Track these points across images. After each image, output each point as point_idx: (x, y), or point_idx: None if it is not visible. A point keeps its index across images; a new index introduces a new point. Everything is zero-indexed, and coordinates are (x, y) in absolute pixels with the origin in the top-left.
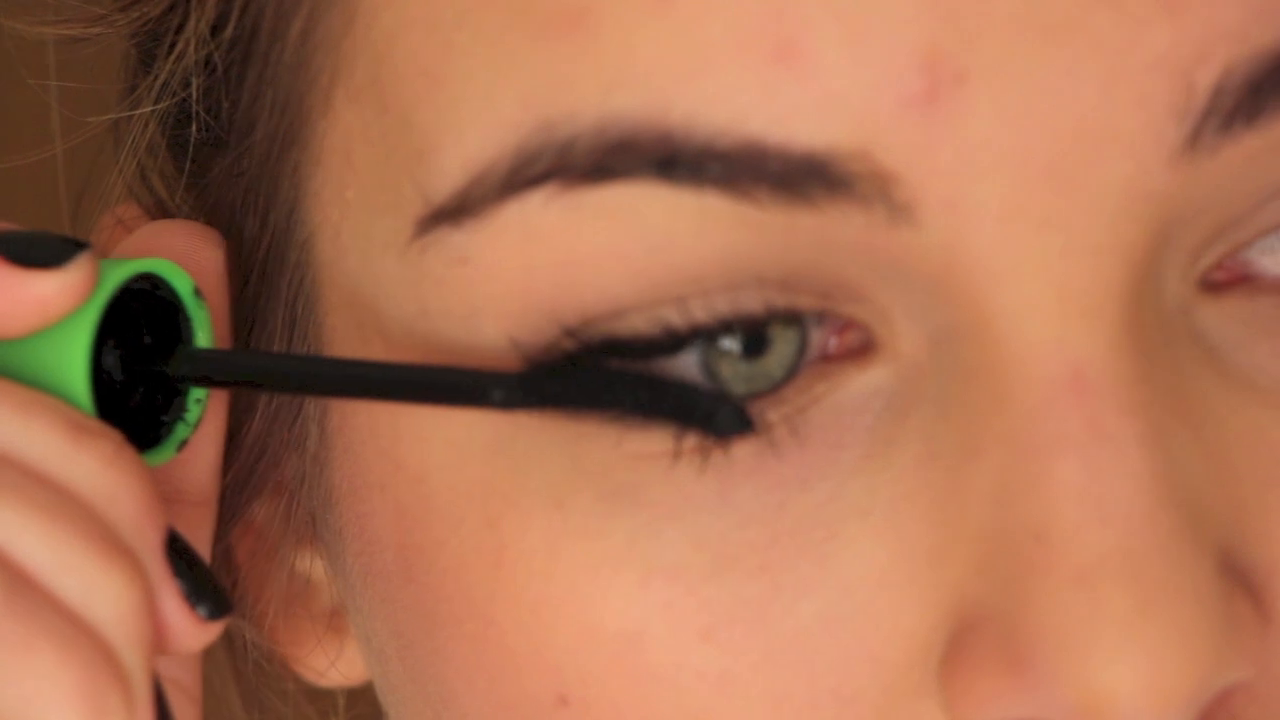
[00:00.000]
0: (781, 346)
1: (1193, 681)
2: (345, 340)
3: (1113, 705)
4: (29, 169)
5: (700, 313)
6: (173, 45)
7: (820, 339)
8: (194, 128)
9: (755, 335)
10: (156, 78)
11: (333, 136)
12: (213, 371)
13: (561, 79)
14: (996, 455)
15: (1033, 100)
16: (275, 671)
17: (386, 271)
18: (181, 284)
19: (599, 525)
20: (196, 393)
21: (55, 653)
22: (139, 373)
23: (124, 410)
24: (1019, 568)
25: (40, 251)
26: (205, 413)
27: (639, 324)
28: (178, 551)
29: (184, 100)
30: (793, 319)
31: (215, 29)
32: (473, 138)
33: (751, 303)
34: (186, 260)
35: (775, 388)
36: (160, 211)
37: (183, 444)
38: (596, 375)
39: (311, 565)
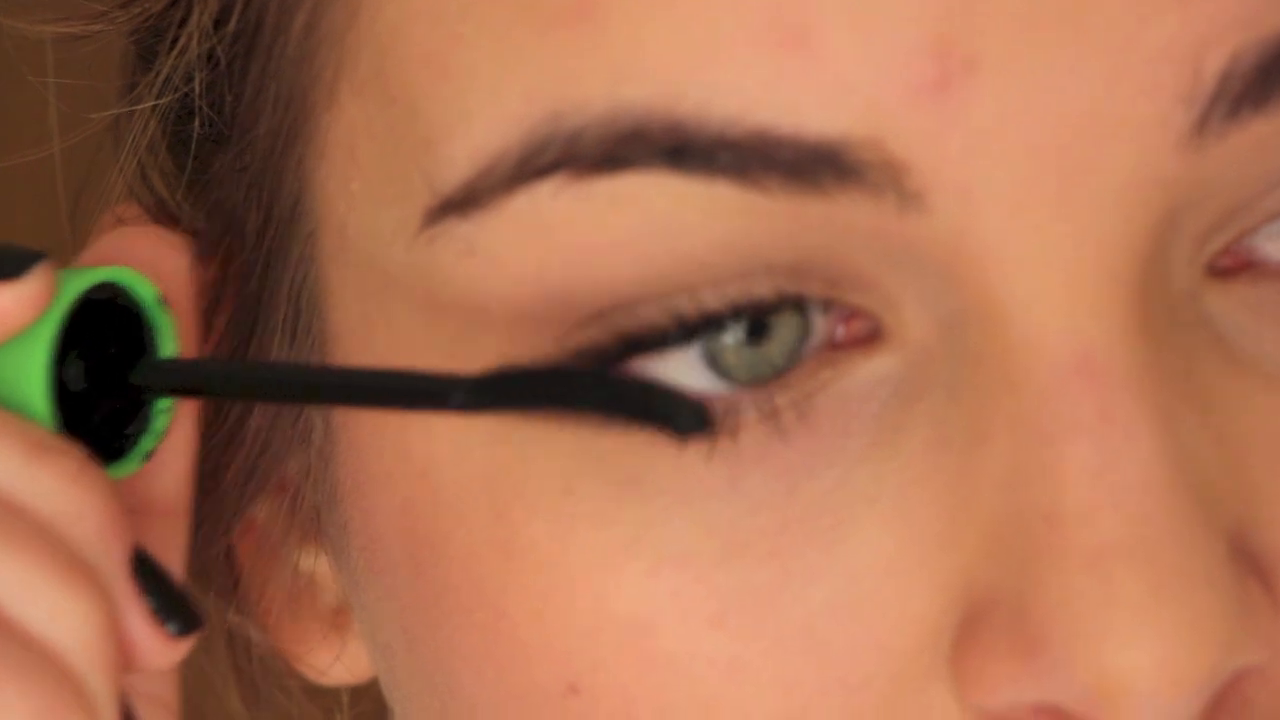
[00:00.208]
0: (783, 333)
1: (1206, 665)
2: (351, 335)
3: (1126, 689)
4: (27, 168)
5: (712, 300)
6: (175, 40)
7: (826, 327)
8: (196, 123)
9: (757, 322)
10: (158, 74)
11: (337, 130)
12: (177, 381)
13: (569, 70)
14: (1006, 440)
15: (1042, 87)
16: (279, 669)
17: (393, 264)
18: (145, 292)
19: (608, 512)
20: (162, 403)
21: (15, 683)
22: (103, 384)
23: (88, 423)
24: (1030, 552)
25: None
26: (173, 422)
27: (651, 314)
28: (145, 568)
29: (186, 96)
30: (798, 305)
31: (218, 23)
32: (480, 128)
33: (762, 289)
34: (151, 268)
35: (778, 374)
36: (160, 210)
37: (149, 455)
38: (555, 376)
39: (315, 563)
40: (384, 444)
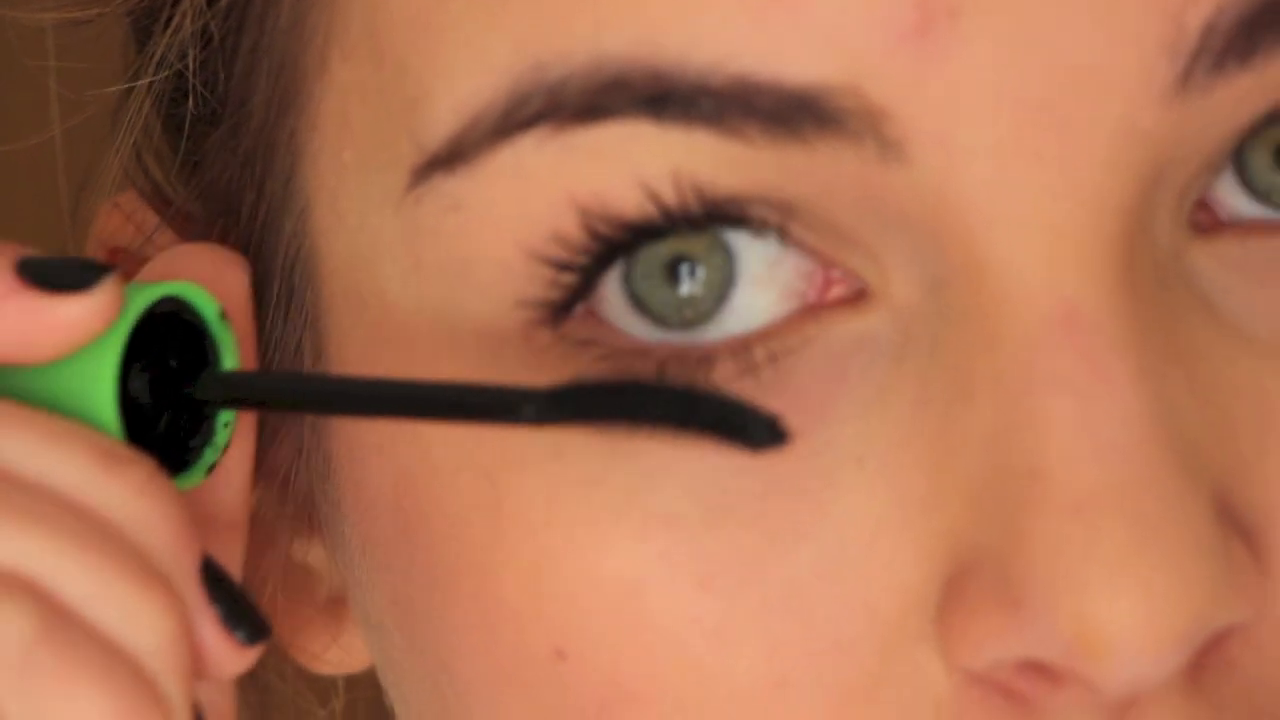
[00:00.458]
0: (709, 274)
1: (1188, 617)
2: (342, 306)
3: (1106, 640)
4: (28, 154)
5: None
6: (169, 19)
7: (806, 288)
8: (190, 103)
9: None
10: (152, 55)
11: (329, 99)
12: (239, 394)
13: (553, 20)
14: (989, 396)
15: (1025, 36)
16: (274, 657)
17: (383, 229)
18: (207, 307)
19: (597, 474)
20: (224, 416)
21: (95, 684)
22: (166, 397)
23: (152, 435)
24: (1013, 506)
25: (66, 276)
26: (233, 436)
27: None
28: (213, 577)
29: (180, 76)
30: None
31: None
32: (465, 82)
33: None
34: (212, 283)
35: (708, 319)
36: (156, 195)
37: (211, 468)
38: (630, 389)
39: (309, 552)
40: None
